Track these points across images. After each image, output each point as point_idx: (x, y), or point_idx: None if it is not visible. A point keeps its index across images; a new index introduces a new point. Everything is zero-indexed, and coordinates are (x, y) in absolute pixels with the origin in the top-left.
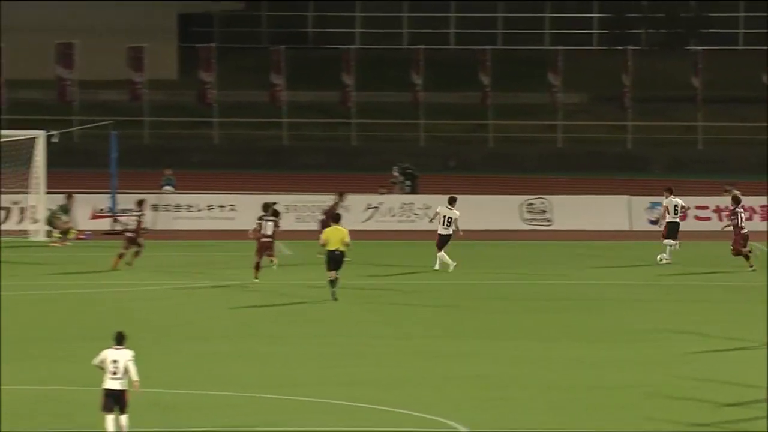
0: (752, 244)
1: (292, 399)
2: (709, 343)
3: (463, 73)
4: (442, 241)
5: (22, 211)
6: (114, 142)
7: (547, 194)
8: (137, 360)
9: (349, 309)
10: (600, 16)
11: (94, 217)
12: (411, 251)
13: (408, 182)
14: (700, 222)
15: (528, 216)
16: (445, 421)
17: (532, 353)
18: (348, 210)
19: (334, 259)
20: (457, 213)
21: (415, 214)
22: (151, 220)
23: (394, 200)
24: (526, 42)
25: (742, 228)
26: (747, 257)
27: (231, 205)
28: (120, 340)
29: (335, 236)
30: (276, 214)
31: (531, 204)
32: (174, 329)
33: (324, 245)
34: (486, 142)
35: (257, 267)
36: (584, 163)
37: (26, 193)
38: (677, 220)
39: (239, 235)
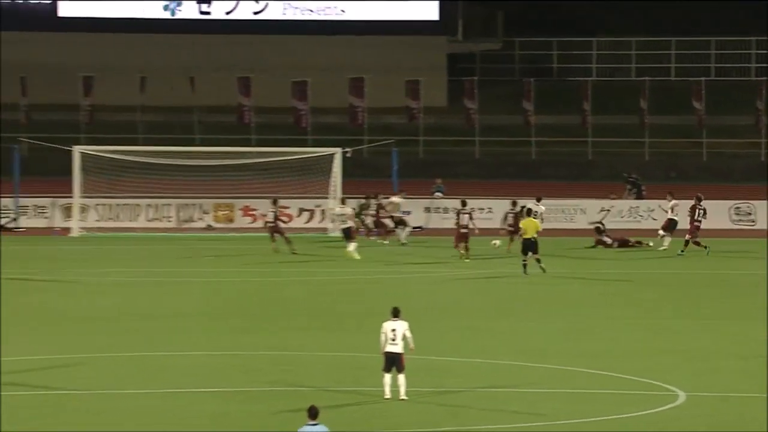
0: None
1: (540, 366)
2: None
3: (681, 100)
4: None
5: (323, 212)
6: (395, 157)
7: (752, 200)
8: (414, 331)
9: (581, 291)
10: None
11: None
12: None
13: (635, 190)
14: None
15: (735, 217)
16: (665, 386)
17: (730, 330)
18: (584, 212)
19: (531, 244)
20: (543, 208)
21: (640, 215)
22: (424, 220)
23: (623, 204)
24: (734, 74)
25: (698, 222)
26: (698, 244)
27: (489, 208)
28: (396, 313)
29: (530, 226)
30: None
31: (738, 208)
32: (441, 308)
33: (523, 234)
34: (700, 157)
35: (460, 248)
36: None
37: (326, 198)
38: (675, 218)
39: (495, 232)
